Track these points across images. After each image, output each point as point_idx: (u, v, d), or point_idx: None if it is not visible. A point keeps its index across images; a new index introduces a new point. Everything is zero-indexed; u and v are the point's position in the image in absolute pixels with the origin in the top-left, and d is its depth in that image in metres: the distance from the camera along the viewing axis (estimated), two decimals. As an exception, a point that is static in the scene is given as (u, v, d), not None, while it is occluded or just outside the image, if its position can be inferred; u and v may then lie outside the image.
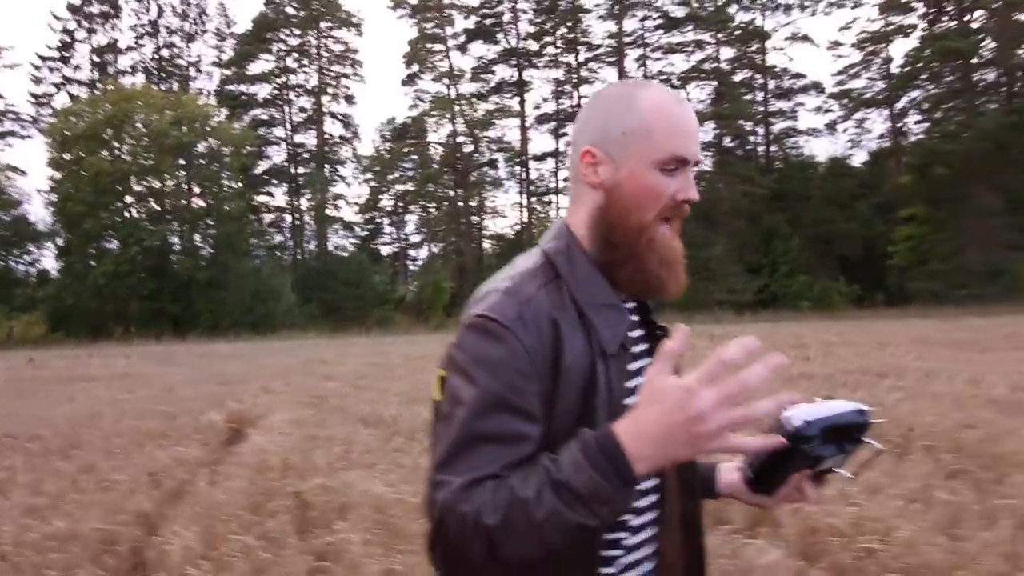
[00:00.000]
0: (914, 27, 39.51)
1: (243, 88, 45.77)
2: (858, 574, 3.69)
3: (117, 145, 36.50)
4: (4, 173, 38.32)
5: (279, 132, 46.29)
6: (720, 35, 42.29)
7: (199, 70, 45.82)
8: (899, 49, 55.61)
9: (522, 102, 45.30)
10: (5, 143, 41.52)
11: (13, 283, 37.15)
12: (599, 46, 44.34)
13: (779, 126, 43.92)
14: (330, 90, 46.55)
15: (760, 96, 43.90)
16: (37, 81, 42.37)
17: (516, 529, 0.91)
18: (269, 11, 45.43)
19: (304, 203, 45.91)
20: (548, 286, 1.08)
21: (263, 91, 46.01)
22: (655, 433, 0.90)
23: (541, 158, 45.68)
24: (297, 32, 45.94)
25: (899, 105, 40.66)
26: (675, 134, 1.10)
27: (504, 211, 53.23)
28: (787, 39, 43.42)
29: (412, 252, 49.09)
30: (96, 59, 43.28)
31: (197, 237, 38.73)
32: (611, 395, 1.06)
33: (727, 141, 42.91)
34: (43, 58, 42.40)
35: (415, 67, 44.90)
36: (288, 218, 46.40)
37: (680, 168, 1.11)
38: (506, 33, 45.28)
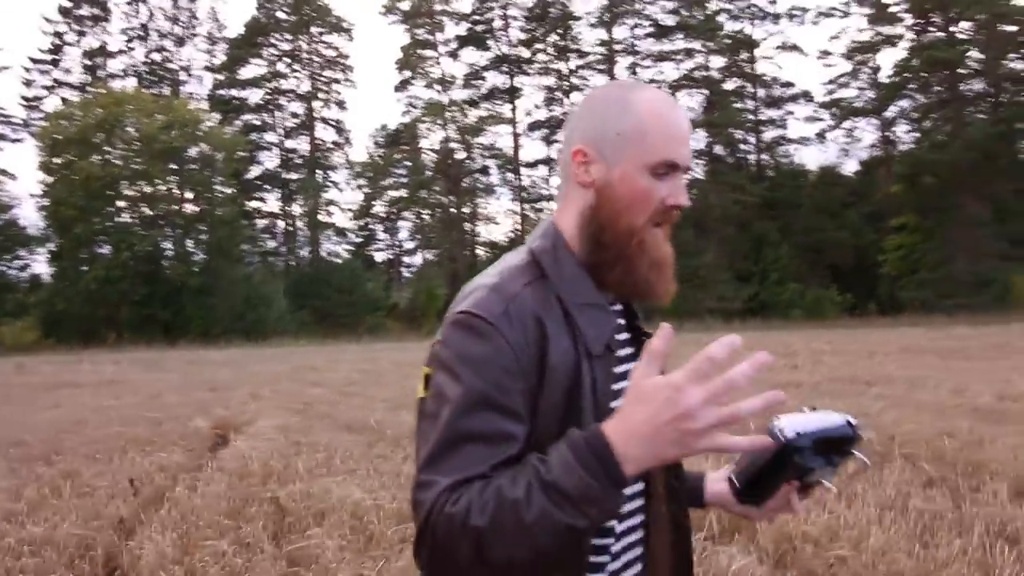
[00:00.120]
0: (902, 37, 39.85)
1: (235, 93, 45.71)
2: (829, 581, 3.71)
3: (108, 149, 36.41)
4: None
5: (271, 137, 46.27)
6: (710, 44, 42.51)
7: (190, 74, 45.79)
8: (888, 59, 56.19)
9: (513, 109, 45.52)
10: (-4, 147, 41.41)
11: (4, 288, 36.92)
12: (590, 53, 44.61)
13: (770, 135, 44.19)
14: (321, 95, 46.58)
15: (751, 105, 44.13)
16: (28, 84, 42.31)
17: (505, 530, 0.90)
18: (261, 15, 45.48)
19: (297, 209, 45.95)
20: (534, 284, 1.07)
21: (255, 96, 46.01)
22: (644, 432, 0.89)
23: (533, 165, 45.84)
24: (288, 37, 45.97)
25: (888, 114, 41.00)
26: (670, 139, 1.10)
27: (497, 218, 53.22)
28: (776, 48, 43.76)
29: (406, 259, 49.16)
30: (87, 62, 43.23)
31: (189, 243, 38.66)
32: (596, 396, 1.05)
33: (718, 149, 43.10)
34: (34, 61, 42.32)
35: (407, 73, 45.04)
36: (281, 224, 46.40)
37: (671, 173, 1.10)
38: (497, 40, 45.49)
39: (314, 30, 46.09)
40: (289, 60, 46.13)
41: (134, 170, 36.39)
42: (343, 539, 4.23)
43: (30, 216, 51.08)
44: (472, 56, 45.58)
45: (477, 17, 45.02)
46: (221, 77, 45.60)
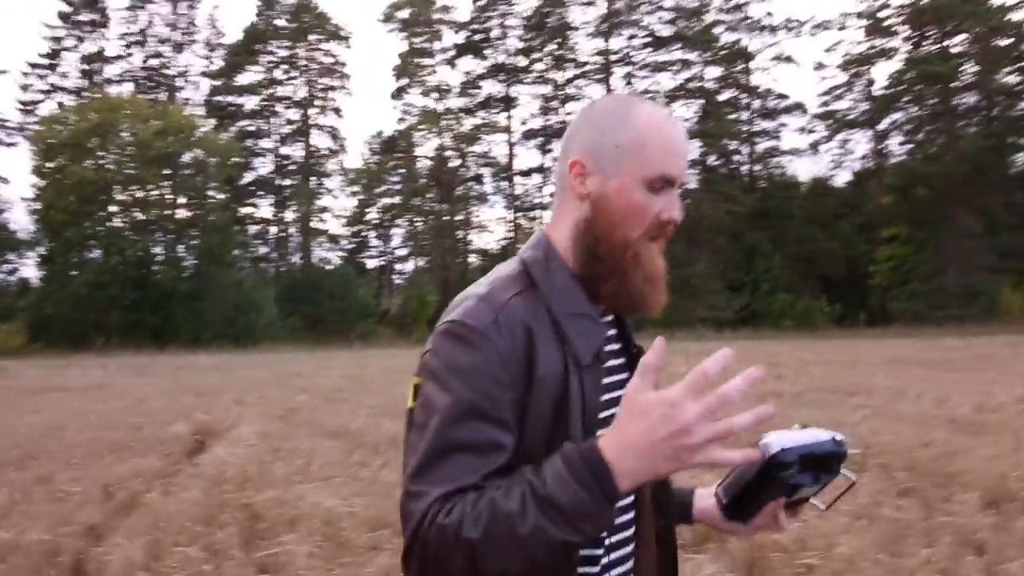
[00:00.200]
0: (897, 50, 40.11)
1: (231, 99, 45.73)
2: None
3: (102, 154, 36.35)
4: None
5: (266, 144, 46.20)
6: (706, 55, 42.72)
7: (187, 80, 45.81)
8: (882, 71, 56.39)
9: (509, 117, 45.61)
10: (-10, 150, 41.29)
11: (-7, 292, 36.84)
12: (586, 63, 44.73)
13: (763, 146, 44.28)
14: (318, 102, 46.56)
15: (745, 116, 44.32)
16: (25, 88, 42.27)
17: (499, 543, 0.90)
18: (260, 22, 45.54)
19: (290, 215, 45.85)
20: (524, 294, 1.07)
21: (251, 102, 46.02)
22: (640, 447, 0.89)
23: (527, 173, 45.84)
24: (286, 44, 46.03)
25: (881, 126, 41.17)
26: (668, 153, 1.09)
27: (490, 226, 53.16)
28: (772, 60, 43.94)
29: (398, 265, 49.11)
30: (84, 67, 43.22)
31: (180, 248, 38.56)
32: (584, 406, 1.05)
33: (711, 159, 43.25)
34: (32, 65, 42.30)
35: (404, 81, 45.11)
36: (273, 229, 46.33)
37: (667, 188, 1.10)
38: (495, 49, 45.57)
39: (312, 37, 46.12)
40: (286, 67, 46.18)
41: (127, 175, 36.34)
42: (314, 545, 4.22)
43: (20, 220, 50.79)
44: (469, 64, 45.76)
45: (475, 26, 45.18)
46: (218, 83, 45.62)
